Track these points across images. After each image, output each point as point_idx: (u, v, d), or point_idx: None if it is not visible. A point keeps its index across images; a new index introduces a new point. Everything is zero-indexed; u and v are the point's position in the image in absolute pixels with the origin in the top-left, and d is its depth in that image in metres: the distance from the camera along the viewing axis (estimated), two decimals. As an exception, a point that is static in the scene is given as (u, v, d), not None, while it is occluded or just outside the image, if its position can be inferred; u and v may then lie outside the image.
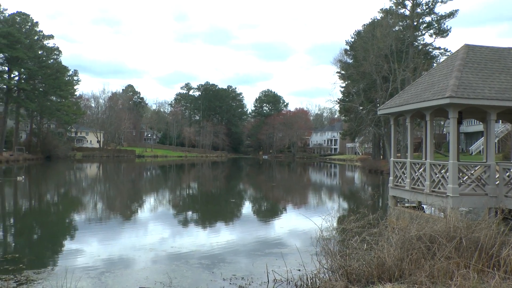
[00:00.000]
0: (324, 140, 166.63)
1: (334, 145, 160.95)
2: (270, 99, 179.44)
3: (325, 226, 10.66)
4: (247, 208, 27.50)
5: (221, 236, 17.01)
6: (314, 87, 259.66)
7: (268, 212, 26.04)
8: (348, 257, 9.04)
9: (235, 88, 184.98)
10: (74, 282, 9.76)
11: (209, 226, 20.24)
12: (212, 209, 26.57)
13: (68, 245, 15.66)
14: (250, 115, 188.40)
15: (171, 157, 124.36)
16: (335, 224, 17.44)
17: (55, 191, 34.99)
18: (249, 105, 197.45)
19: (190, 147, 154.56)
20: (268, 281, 10.19)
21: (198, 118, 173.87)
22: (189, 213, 24.57)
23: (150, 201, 29.76)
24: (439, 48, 63.80)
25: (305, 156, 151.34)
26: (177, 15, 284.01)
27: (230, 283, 10.35)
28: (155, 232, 18.00)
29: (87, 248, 14.60)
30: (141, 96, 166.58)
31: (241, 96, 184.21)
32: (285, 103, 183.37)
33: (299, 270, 10.54)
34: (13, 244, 15.97)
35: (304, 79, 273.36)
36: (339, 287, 7.85)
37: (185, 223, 20.85)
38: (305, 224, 18.40)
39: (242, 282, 10.39)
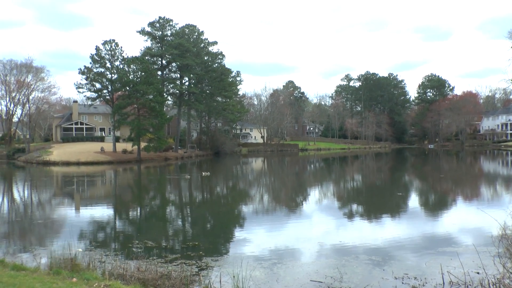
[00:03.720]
0: (497, 125, 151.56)
1: (510, 130, 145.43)
2: (434, 83, 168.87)
3: (508, 224, 9.72)
4: (413, 201, 26.27)
5: (388, 231, 16.53)
6: (483, 67, 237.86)
7: (436, 205, 24.60)
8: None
9: (396, 75, 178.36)
10: (248, 271, 10.33)
11: (374, 219, 19.85)
12: (377, 202, 26.03)
13: (238, 234, 16.73)
14: (413, 103, 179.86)
15: (334, 150, 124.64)
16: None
17: (231, 184, 37.38)
18: (412, 92, 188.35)
19: (352, 139, 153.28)
20: (444, 283, 9.63)
21: (359, 109, 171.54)
22: (354, 205, 24.39)
23: (314, 193, 30.22)
24: None
25: (476, 143, 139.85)
26: (334, 8, 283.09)
27: (402, 283, 9.99)
28: (320, 224, 18.28)
29: (254, 238, 15.45)
30: (301, 90, 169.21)
31: (403, 83, 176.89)
32: (451, 87, 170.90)
33: (478, 272, 9.80)
34: (192, 232, 17.54)
35: (470, 59, 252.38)
36: (530, 296, 7.03)
37: (350, 216, 20.73)
38: (479, 220, 17.10)
39: (415, 282, 9.96)
